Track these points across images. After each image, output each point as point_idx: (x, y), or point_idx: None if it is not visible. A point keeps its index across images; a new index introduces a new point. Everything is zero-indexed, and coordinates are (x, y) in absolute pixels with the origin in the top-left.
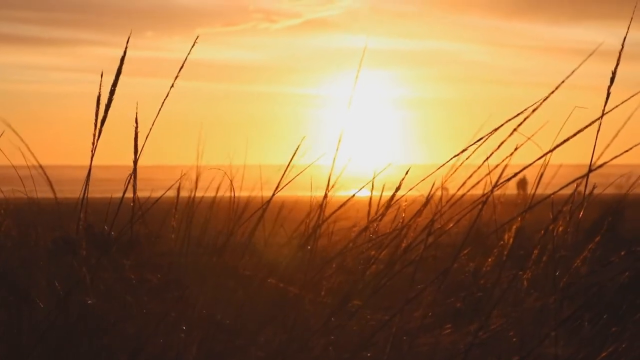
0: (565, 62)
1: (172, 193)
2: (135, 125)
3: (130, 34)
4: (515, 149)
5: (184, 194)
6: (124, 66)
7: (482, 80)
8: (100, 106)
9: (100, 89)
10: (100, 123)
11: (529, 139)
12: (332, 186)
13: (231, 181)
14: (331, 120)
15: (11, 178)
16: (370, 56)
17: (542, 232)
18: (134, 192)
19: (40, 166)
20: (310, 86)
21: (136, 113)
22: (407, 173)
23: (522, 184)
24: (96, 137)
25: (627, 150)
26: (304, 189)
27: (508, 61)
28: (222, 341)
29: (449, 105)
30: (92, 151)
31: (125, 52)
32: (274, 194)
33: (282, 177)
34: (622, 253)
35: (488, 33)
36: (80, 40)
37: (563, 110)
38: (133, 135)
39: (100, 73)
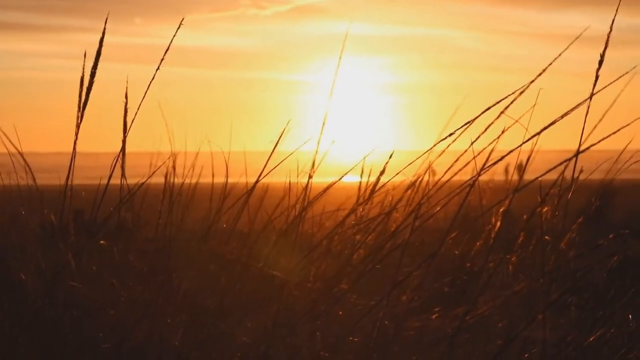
0: (555, 48)
1: (159, 179)
2: (124, 100)
3: (108, 15)
4: (502, 132)
5: (169, 179)
6: (113, 53)
7: (471, 67)
8: (82, 89)
9: (83, 72)
10: (82, 107)
11: (516, 121)
12: (315, 169)
13: (217, 167)
14: (319, 106)
15: None
16: (360, 42)
17: (529, 215)
18: (122, 173)
19: (20, 153)
20: (299, 72)
21: (126, 88)
22: (390, 157)
23: (519, 168)
24: (78, 121)
25: (614, 132)
26: (289, 175)
27: (497, 47)
28: (208, 326)
29: (438, 91)
30: (75, 134)
31: (103, 34)
32: (258, 180)
33: (267, 162)
34: (611, 236)
35: (477, 19)
36: (69, 26)
37: (552, 96)
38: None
39: (84, 55)
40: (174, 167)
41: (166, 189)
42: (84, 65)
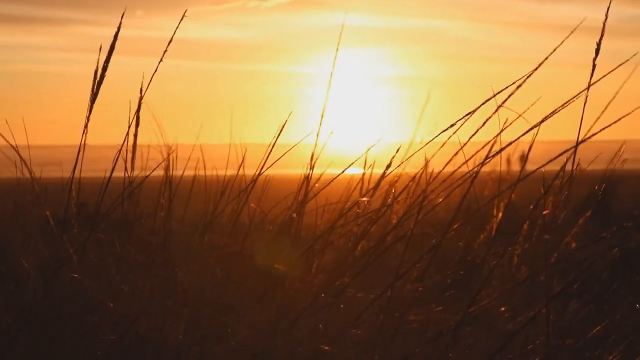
0: (554, 38)
1: (159, 172)
2: (140, 95)
3: (125, 11)
4: (504, 127)
5: (171, 172)
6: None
7: (469, 57)
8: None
9: (97, 65)
10: (91, 100)
11: (520, 115)
12: (315, 161)
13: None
14: (321, 98)
15: None
16: (360, 34)
17: (532, 207)
18: (132, 167)
19: (15, 147)
20: (300, 64)
21: (142, 83)
22: (397, 151)
23: (520, 159)
24: (88, 114)
25: (615, 122)
26: (290, 167)
27: (495, 38)
28: (209, 320)
29: (437, 82)
30: (85, 126)
31: (119, 29)
32: (260, 172)
33: (268, 155)
34: (613, 229)
35: (475, 10)
36: (72, 19)
37: (552, 86)
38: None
39: (93, 50)
40: (174, 160)
41: (166, 181)
42: (99, 58)
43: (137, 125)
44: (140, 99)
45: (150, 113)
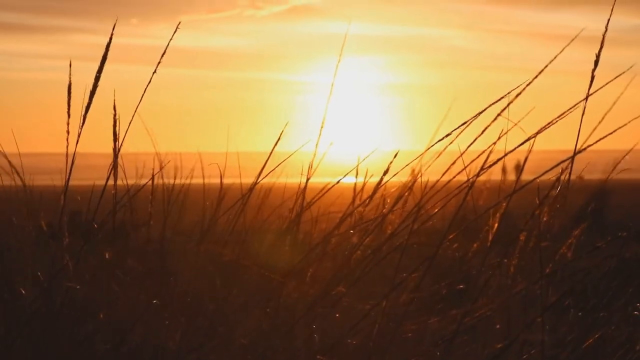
0: (551, 47)
1: (156, 180)
2: (113, 112)
3: (117, 20)
4: (500, 136)
5: (169, 181)
6: (109, 53)
7: (466, 66)
8: (71, 94)
9: (70, 77)
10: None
11: (515, 124)
12: (314, 171)
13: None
14: (318, 107)
15: None
16: (356, 42)
17: (529, 217)
18: (115, 179)
19: (4, 155)
20: (298, 73)
21: (114, 100)
22: (395, 157)
23: (516, 168)
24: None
25: (611, 133)
26: (287, 176)
27: (493, 46)
28: (205, 328)
29: (434, 91)
30: (69, 137)
31: (111, 39)
32: (257, 181)
33: (265, 163)
34: (609, 239)
35: (474, 18)
36: (68, 28)
37: (548, 95)
38: (111, 123)
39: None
40: (168, 169)
41: (163, 190)
42: (70, 70)
43: (115, 140)
44: (114, 116)
45: (147, 122)
